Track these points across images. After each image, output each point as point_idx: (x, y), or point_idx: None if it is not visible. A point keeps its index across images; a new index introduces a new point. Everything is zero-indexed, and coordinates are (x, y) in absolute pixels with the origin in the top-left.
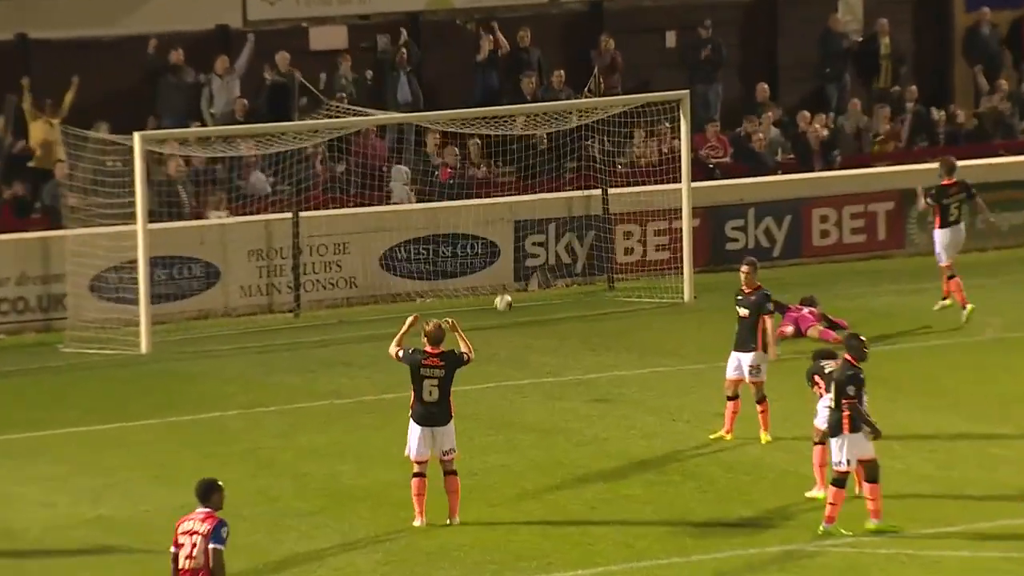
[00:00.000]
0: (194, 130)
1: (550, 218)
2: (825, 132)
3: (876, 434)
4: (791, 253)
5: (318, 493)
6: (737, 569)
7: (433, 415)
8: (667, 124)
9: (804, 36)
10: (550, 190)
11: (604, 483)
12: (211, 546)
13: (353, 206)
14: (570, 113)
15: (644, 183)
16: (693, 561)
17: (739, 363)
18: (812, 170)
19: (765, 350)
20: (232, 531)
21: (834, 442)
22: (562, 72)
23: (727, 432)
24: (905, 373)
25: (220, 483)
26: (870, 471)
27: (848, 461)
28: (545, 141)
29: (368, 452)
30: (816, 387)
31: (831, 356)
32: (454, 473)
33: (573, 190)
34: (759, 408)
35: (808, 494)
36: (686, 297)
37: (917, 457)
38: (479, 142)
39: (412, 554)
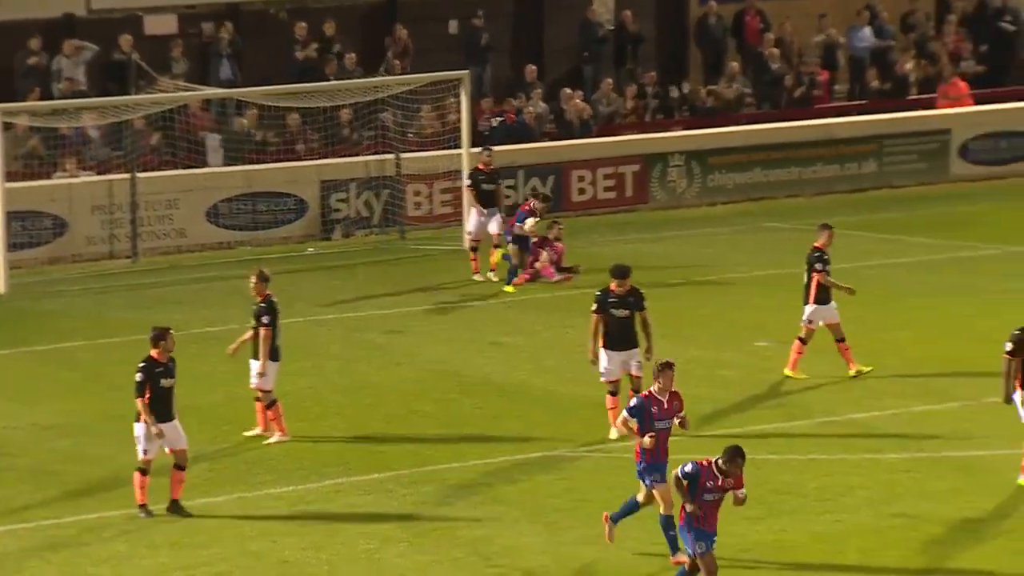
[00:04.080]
0: (47, 103)
1: (351, 178)
2: (584, 107)
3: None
4: (554, 208)
5: None
6: (507, 470)
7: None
8: (451, 99)
9: (566, 24)
10: (351, 155)
11: (398, 401)
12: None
13: (183, 168)
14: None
15: (431, 149)
16: (470, 465)
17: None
18: (572, 138)
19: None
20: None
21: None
22: (354, 55)
23: None
24: (654, 310)
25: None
26: None
27: None
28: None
29: (197, 376)
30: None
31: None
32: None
33: (371, 155)
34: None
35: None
36: (466, 244)
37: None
38: (297, 116)
39: (235, 463)
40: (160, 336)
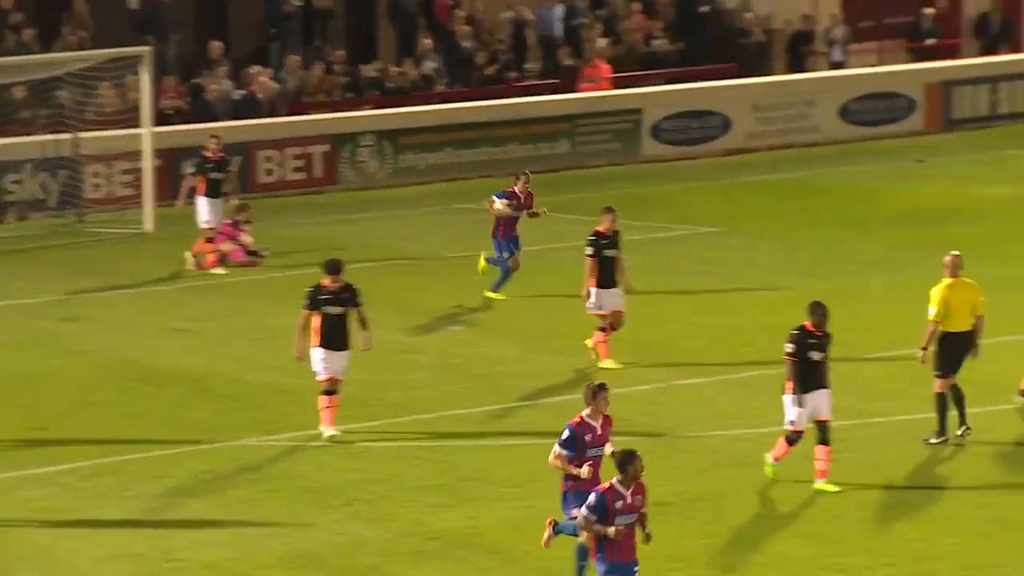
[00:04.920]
0: None
1: (26, 159)
2: (271, 85)
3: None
4: (240, 189)
5: None
6: (191, 460)
7: None
8: (132, 77)
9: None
10: (26, 134)
11: (75, 391)
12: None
13: None
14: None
15: (111, 129)
16: (151, 456)
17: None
18: (258, 117)
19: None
20: None
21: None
22: (33, 30)
23: None
24: None
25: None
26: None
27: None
28: (24, 90)
29: None
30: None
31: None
32: None
33: (47, 134)
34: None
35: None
36: (147, 227)
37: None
38: None
39: None
40: None
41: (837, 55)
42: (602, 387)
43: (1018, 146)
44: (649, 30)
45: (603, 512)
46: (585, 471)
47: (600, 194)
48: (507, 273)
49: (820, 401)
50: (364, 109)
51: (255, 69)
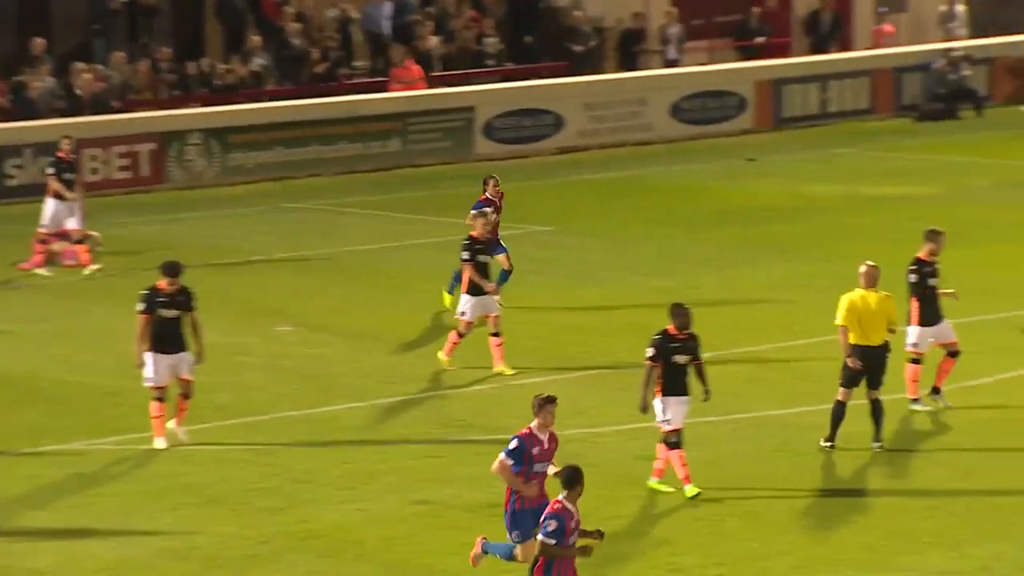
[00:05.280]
0: None
1: None
2: (96, 82)
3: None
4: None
5: None
6: (16, 465)
7: None
8: None
9: None
10: None
11: None
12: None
13: None
14: None
15: None
16: None
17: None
18: (82, 115)
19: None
20: None
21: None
22: None
23: None
24: None
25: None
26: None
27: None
28: None
29: None
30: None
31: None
32: None
33: None
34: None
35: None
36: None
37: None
38: None
39: None
40: None
41: (672, 53)
42: (549, 400)
43: (847, 144)
44: (480, 28)
45: (562, 535)
46: (533, 490)
47: (432, 192)
48: (505, 275)
49: (676, 410)
50: (192, 107)
51: (79, 66)
